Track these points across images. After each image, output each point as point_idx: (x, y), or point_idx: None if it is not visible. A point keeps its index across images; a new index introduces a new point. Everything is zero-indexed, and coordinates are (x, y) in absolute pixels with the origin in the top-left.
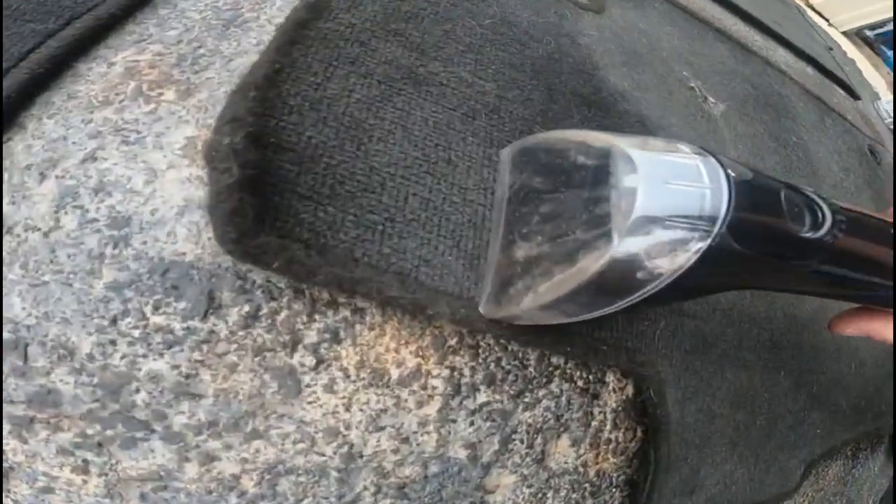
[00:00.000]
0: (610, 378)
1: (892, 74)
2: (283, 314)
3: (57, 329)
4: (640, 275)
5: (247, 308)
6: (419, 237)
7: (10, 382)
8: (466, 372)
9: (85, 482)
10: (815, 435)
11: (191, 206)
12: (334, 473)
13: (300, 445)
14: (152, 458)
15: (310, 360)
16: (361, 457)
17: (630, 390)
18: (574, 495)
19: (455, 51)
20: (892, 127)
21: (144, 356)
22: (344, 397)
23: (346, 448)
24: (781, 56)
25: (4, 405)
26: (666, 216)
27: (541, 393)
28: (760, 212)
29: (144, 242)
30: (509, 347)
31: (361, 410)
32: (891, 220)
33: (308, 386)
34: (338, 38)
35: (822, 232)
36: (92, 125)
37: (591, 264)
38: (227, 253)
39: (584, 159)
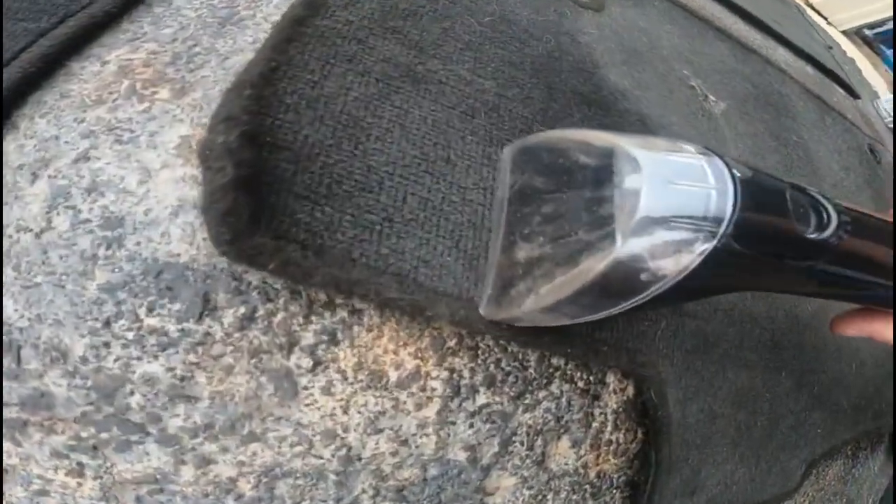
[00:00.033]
0: (610, 379)
1: (891, 73)
2: (280, 316)
3: (49, 331)
4: (643, 276)
5: (242, 310)
6: (418, 237)
7: (3, 385)
8: (466, 373)
9: (80, 485)
10: (816, 435)
11: (185, 207)
12: (332, 476)
13: (297, 448)
14: (147, 460)
15: (307, 362)
16: (360, 459)
17: (631, 391)
18: (574, 497)
19: (454, 49)
20: (891, 126)
21: (139, 358)
22: (342, 399)
23: (344, 451)
24: (781, 55)
25: None
26: (670, 217)
27: (541, 394)
28: (766, 213)
29: (138, 243)
30: (509, 349)
31: (359, 413)
32: (891, 220)
33: (305, 388)
34: (335, 36)
35: (828, 233)
36: (84, 124)
37: (595, 266)
38: (222, 254)
39: (587, 159)
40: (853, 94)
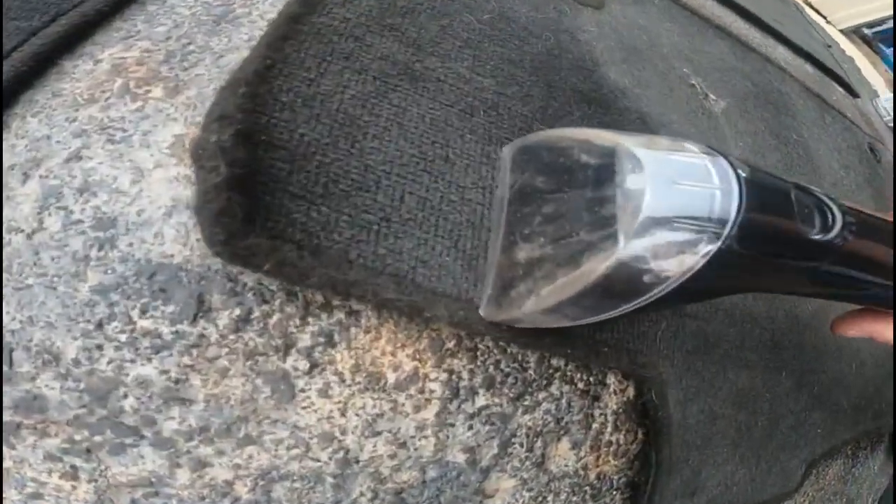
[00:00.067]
0: (611, 380)
1: (890, 72)
2: (276, 317)
3: (41, 334)
4: (646, 278)
5: (238, 311)
6: (416, 237)
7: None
8: (465, 375)
9: (74, 488)
10: (817, 435)
11: (179, 207)
12: (330, 479)
13: (294, 451)
14: (142, 463)
15: (303, 365)
16: (357, 462)
17: (631, 392)
18: (574, 498)
19: (452, 46)
20: (891, 125)
21: (132, 361)
22: (339, 402)
23: (341, 453)
24: (781, 53)
25: None
26: (674, 217)
27: (541, 395)
28: (771, 214)
29: (131, 244)
30: (508, 350)
31: (357, 415)
32: (891, 219)
33: (302, 391)
34: (332, 33)
35: (833, 234)
36: (76, 123)
37: (597, 267)
38: (216, 255)
39: (588, 158)
40: (852, 92)
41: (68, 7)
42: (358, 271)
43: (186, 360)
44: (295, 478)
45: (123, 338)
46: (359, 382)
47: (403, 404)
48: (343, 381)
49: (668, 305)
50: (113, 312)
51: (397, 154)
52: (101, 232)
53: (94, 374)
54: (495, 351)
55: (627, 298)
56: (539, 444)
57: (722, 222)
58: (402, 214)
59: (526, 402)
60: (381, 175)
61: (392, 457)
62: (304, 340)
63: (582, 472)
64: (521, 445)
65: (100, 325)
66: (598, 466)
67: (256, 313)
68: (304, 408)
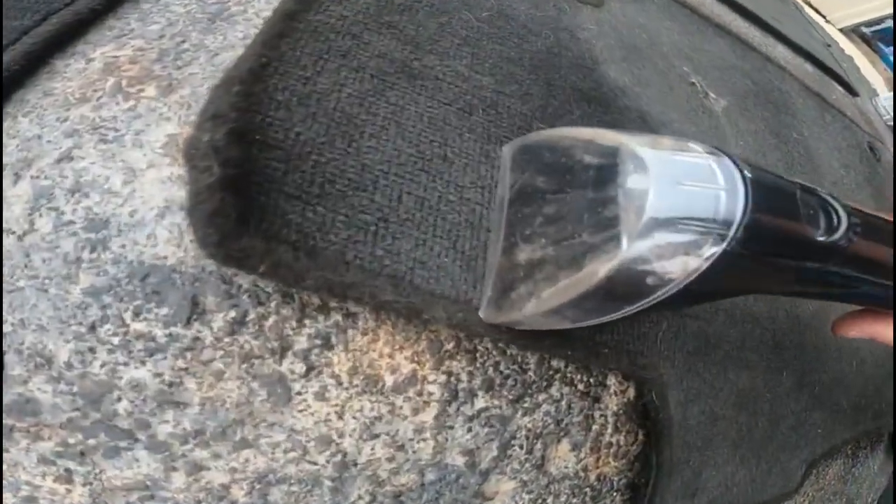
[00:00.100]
0: (611, 381)
1: (889, 71)
2: (272, 320)
3: (33, 336)
4: (649, 280)
5: (233, 314)
6: (414, 238)
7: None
8: (464, 377)
9: (69, 491)
10: (817, 435)
11: (172, 208)
12: (327, 482)
13: (291, 454)
14: (137, 467)
15: (300, 367)
16: (355, 465)
17: (631, 393)
18: (574, 500)
19: (451, 44)
20: (890, 124)
21: (125, 364)
22: (336, 405)
23: (339, 457)
24: (780, 52)
25: None
26: (678, 218)
27: (540, 397)
28: (777, 215)
29: (123, 245)
30: (508, 351)
31: (355, 418)
32: (891, 219)
33: (299, 394)
34: (328, 31)
35: (838, 235)
36: (68, 123)
37: (599, 269)
38: (209, 256)
39: (591, 158)
40: (852, 91)
41: (60, 6)
42: (355, 273)
43: (181, 362)
44: (292, 481)
45: (116, 340)
46: (356, 385)
47: (402, 407)
48: (340, 383)
49: (671, 308)
50: (105, 315)
51: (395, 153)
52: (93, 233)
53: (86, 377)
54: (494, 352)
55: (630, 301)
56: (539, 445)
57: (727, 224)
58: (399, 214)
59: (526, 404)
60: (378, 174)
61: (390, 460)
62: (301, 343)
63: (582, 474)
64: (521, 447)
65: (92, 328)
66: (598, 468)
67: (252, 315)
68: (300, 411)
